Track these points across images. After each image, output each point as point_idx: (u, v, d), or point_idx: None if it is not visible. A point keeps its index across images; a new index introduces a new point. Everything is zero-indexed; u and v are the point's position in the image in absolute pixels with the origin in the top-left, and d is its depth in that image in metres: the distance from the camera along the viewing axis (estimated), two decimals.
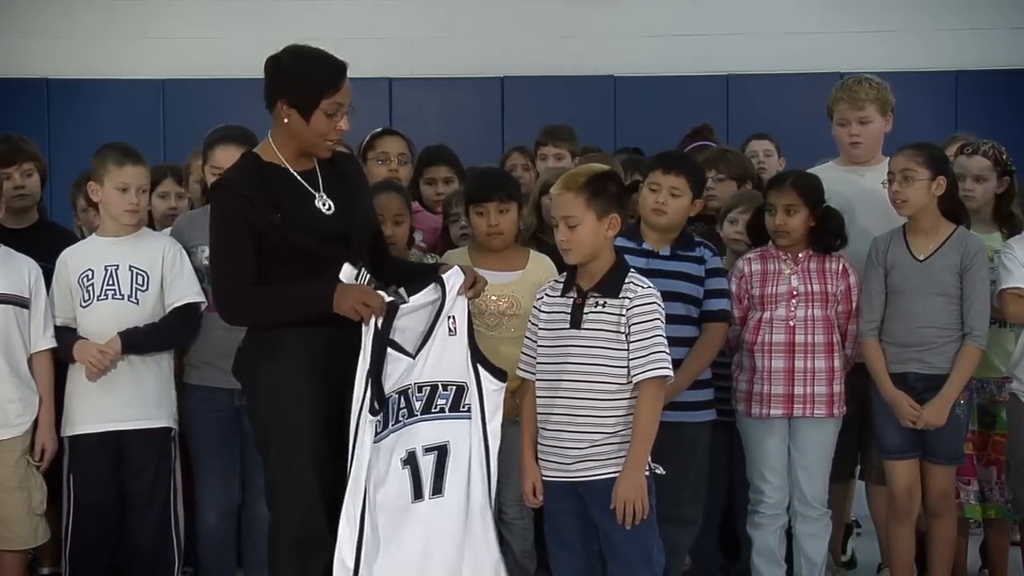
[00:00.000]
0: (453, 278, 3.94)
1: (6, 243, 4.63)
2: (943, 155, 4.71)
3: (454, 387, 3.93)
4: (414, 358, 3.88)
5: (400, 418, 3.87)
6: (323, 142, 3.95)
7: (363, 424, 3.80)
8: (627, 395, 3.89)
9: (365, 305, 3.80)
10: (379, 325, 3.80)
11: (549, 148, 6.24)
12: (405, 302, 3.86)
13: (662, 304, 3.94)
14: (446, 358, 3.93)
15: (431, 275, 3.98)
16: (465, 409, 3.94)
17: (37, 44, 10.89)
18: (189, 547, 4.73)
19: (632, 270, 3.99)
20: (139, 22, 10.98)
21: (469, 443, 3.94)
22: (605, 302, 3.92)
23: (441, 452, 3.90)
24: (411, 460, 3.88)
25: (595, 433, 3.89)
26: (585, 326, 3.92)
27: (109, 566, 4.60)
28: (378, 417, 3.80)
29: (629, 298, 3.90)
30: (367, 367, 3.79)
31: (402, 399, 3.87)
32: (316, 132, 3.92)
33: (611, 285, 3.93)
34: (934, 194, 4.59)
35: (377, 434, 3.82)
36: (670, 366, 3.90)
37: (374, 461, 3.82)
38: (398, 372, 3.86)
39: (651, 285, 3.95)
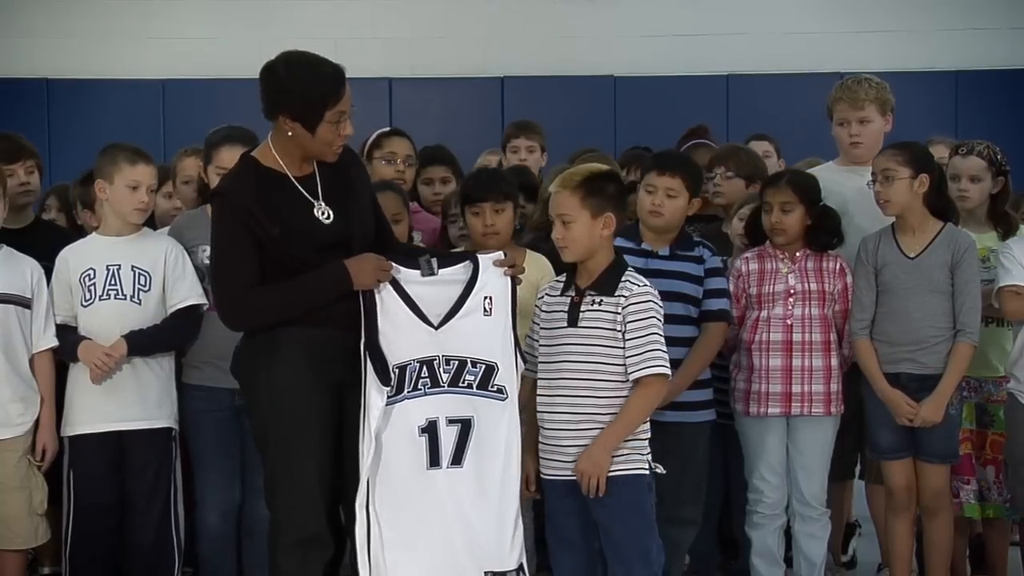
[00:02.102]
0: (490, 259, 3.98)
1: (4, 242, 4.63)
2: (926, 153, 4.70)
3: (483, 365, 3.92)
4: (436, 328, 3.89)
5: (420, 386, 3.88)
6: (329, 149, 3.95)
7: (371, 393, 3.82)
8: (625, 392, 3.90)
9: (384, 271, 3.85)
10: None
11: (521, 141, 6.25)
12: (434, 274, 3.89)
13: (660, 303, 3.95)
14: (479, 336, 3.93)
15: (468, 253, 4.01)
16: (494, 390, 3.93)
17: (37, 44, 10.90)
18: (189, 547, 4.73)
19: (630, 269, 4.01)
20: (139, 22, 11.00)
21: (499, 423, 3.93)
22: (601, 300, 3.93)
23: (465, 425, 3.90)
24: (431, 428, 3.88)
25: (594, 430, 3.90)
26: (582, 324, 3.94)
27: (109, 566, 4.60)
28: (389, 386, 3.82)
29: (625, 296, 3.91)
30: (369, 336, 3.83)
31: (424, 368, 3.88)
32: (322, 142, 3.91)
33: (607, 283, 3.94)
34: (917, 192, 4.60)
35: (388, 398, 3.84)
36: (667, 364, 3.91)
37: (383, 426, 3.84)
38: (417, 340, 3.87)
39: (647, 284, 3.96)
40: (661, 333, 3.92)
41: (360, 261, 3.87)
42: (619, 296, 3.92)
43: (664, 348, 3.91)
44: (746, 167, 5.36)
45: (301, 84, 3.86)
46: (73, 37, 10.94)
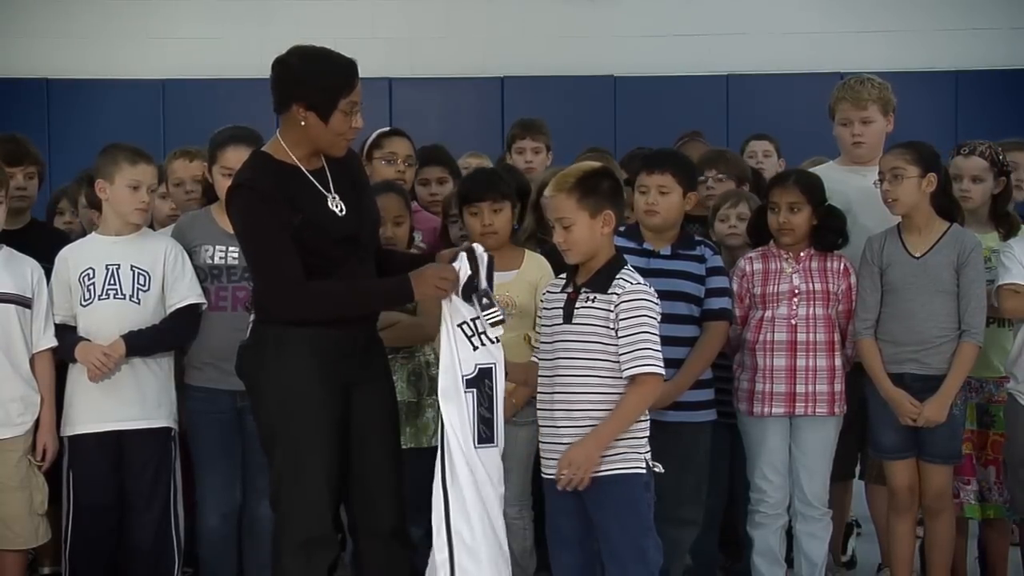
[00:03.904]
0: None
1: (2, 243, 4.63)
2: (933, 153, 4.70)
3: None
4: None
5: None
6: (341, 140, 3.96)
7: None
8: (621, 389, 3.88)
9: (444, 279, 3.87)
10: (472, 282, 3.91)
11: (527, 142, 6.22)
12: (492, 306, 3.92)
13: (655, 301, 3.92)
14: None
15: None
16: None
17: (37, 44, 10.90)
18: (189, 548, 4.73)
19: (627, 267, 3.98)
20: (139, 22, 11.00)
21: None
22: (595, 297, 3.92)
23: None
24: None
25: (592, 426, 3.88)
26: (576, 321, 3.93)
27: (109, 566, 4.60)
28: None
29: (617, 293, 3.89)
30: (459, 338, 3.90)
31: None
32: (335, 132, 3.92)
33: (602, 280, 3.92)
34: (925, 191, 4.60)
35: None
36: (661, 363, 3.88)
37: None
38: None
39: (643, 281, 3.94)
40: (653, 331, 3.88)
41: (422, 274, 3.90)
42: (612, 293, 3.90)
43: (657, 346, 3.87)
44: (735, 168, 5.47)
45: (316, 73, 3.88)
46: (73, 37, 10.94)
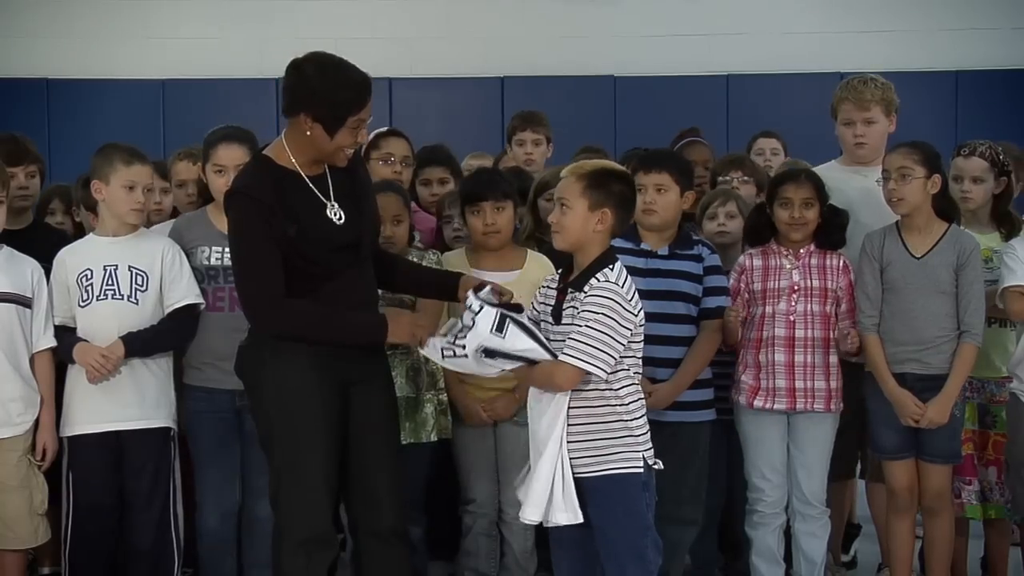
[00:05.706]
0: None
1: (3, 243, 4.62)
2: (936, 154, 4.70)
3: None
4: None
5: None
6: (343, 154, 3.94)
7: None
8: (611, 387, 3.84)
9: (421, 327, 3.89)
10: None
11: (527, 134, 6.19)
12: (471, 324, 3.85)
13: (622, 302, 3.80)
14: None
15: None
16: None
17: (37, 44, 10.91)
18: (189, 548, 4.72)
19: (611, 267, 3.86)
20: (139, 22, 11.01)
21: None
22: (576, 296, 3.88)
23: None
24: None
25: (585, 425, 3.86)
26: (564, 322, 3.88)
27: (109, 566, 4.60)
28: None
29: (585, 291, 3.83)
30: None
31: None
32: (338, 146, 3.91)
33: (585, 280, 3.86)
34: (929, 192, 4.60)
35: None
36: (595, 362, 3.76)
37: None
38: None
39: (615, 281, 3.82)
40: (607, 331, 3.76)
41: (399, 318, 3.95)
42: (585, 291, 3.84)
43: (604, 346, 3.76)
44: (758, 173, 5.50)
45: (329, 87, 3.85)
46: (73, 37, 10.94)
